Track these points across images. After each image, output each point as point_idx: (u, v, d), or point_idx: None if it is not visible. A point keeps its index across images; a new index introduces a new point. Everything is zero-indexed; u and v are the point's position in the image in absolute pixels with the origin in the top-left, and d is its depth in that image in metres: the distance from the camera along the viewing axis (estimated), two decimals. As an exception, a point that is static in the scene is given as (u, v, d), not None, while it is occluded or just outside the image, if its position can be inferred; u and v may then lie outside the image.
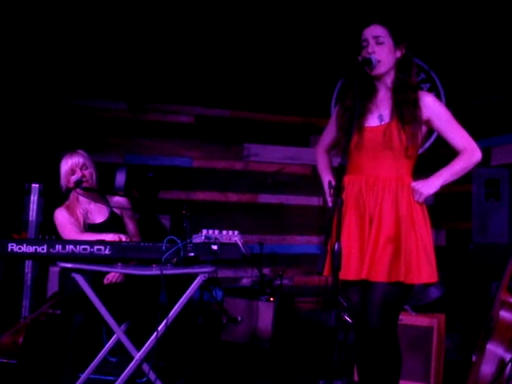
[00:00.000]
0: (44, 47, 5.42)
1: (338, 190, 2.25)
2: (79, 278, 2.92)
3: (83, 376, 3.11)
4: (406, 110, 2.58)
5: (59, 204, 3.58)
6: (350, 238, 2.55)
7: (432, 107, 2.62)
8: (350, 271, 2.52)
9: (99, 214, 3.61)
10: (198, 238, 2.95)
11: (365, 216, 2.58)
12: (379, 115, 2.64)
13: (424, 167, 2.85)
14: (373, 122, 2.64)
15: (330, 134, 2.86)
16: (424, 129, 2.64)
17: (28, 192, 4.51)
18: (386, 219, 2.53)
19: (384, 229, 2.53)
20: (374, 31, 2.60)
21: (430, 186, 2.57)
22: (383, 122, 2.61)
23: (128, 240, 3.28)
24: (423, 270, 2.52)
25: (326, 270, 2.48)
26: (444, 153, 2.70)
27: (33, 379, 3.63)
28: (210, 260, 2.95)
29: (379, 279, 2.50)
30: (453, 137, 2.63)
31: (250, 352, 4.77)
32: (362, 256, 2.54)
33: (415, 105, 2.59)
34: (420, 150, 2.71)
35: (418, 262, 2.51)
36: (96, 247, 2.87)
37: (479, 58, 5.48)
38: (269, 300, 4.95)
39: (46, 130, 5.55)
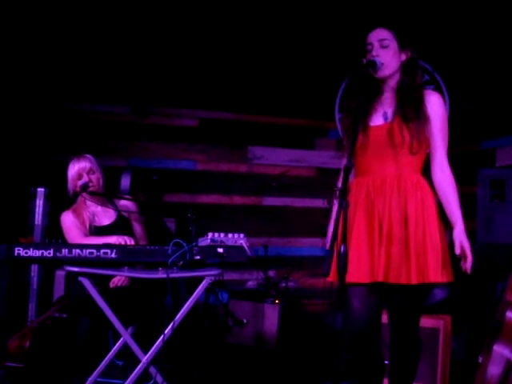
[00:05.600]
0: (48, 51, 5.44)
1: (343, 192, 2.25)
2: (86, 282, 2.93)
3: (90, 379, 3.12)
4: (409, 108, 2.56)
5: (65, 208, 3.59)
6: (359, 240, 2.53)
7: (435, 106, 2.60)
8: (361, 274, 2.50)
9: (106, 217, 3.62)
10: (204, 241, 2.95)
11: (374, 217, 2.55)
12: (384, 113, 2.63)
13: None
14: (378, 120, 2.62)
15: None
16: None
17: (33, 196, 4.54)
18: (395, 220, 2.51)
19: (395, 230, 2.50)
20: (379, 34, 2.60)
21: (462, 237, 2.58)
22: (388, 120, 2.60)
23: (133, 242, 3.28)
24: (431, 269, 2.48)
25: (332, 274, 2.47)
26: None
27: (40, 383, 3.64)
28: (215, 263, 2.95)
29: (400, 281, 2.47)
30: (436, 145, 2.60)
31: (255, 354, 4.77)
32: (372, 258, 2.51)
33: (420, 102, 2.58)
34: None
35: (427, 262, 2.48)
36: (102, 251, 2.87)
37: (483, 58, 5.47)
38: (274, 302, 4.95)
39: (51, 134, 5.57)
